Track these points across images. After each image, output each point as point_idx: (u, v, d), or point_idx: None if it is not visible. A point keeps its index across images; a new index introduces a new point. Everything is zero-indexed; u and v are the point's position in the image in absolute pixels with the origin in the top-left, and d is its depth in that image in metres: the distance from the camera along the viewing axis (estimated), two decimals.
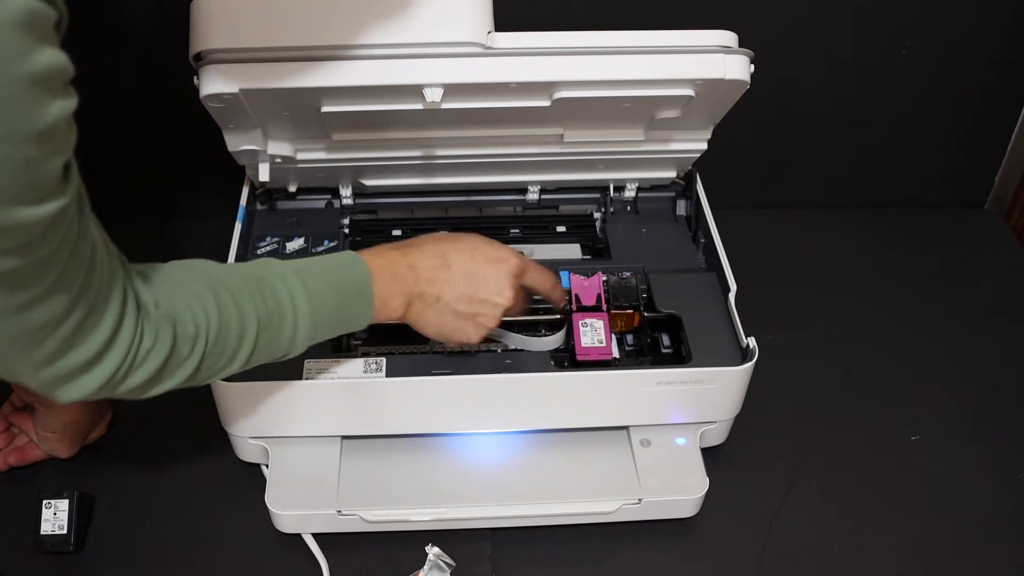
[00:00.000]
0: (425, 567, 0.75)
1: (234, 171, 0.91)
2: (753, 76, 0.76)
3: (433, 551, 0.75)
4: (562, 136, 0.86)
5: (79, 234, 0.49)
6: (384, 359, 0.79)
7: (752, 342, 0.79)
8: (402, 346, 0.84)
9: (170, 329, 0.57)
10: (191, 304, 0.58)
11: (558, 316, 0.89)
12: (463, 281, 0.71)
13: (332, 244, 0.92)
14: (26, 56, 0.38)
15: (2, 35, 0.37)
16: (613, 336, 0.86)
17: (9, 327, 0.48)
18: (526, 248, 0.96)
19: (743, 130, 0.96)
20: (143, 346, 0.55)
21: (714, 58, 0.74)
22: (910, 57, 1.07)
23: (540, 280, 0.77)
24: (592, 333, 0.85)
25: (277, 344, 0.64)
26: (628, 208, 0.99)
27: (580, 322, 0.85)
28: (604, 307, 0.87)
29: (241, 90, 0.71)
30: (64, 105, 0.42)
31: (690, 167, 0.96)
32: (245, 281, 0.62)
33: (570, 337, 0.85)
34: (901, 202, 1.21)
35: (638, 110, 0.81)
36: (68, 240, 0.47)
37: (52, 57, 0.40)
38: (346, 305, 0.67)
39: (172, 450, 0.89)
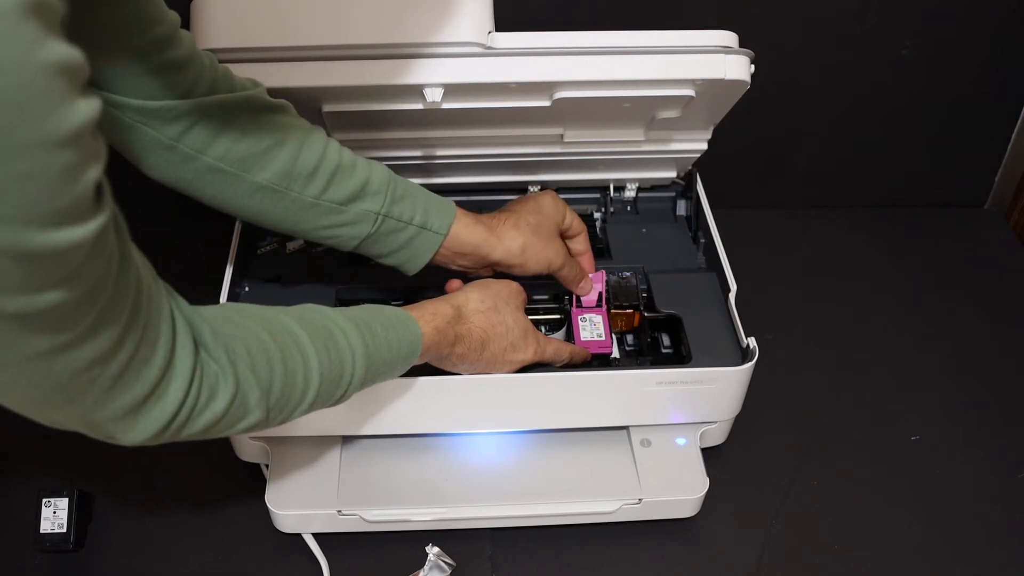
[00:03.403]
0: (425, 567, 0.75)
1: None
2: (753, 76, 0.76)
3: (433, 551, 0.75)
4: (562, 136, 0.86)
5: (121, 258, 0.45)
6: None
7: (752, 342, 0.79)
8: None
9: (231, 371, 0.54)
10: (254, 359, 0.56)
11: (558, 316, 0.89)
12: (484, 365, 0.76)
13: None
14: (42, 43, 0.34)
15: (10, 21, 0.33)
16: (613, 334, 0.86)
17: (57, 370, 0.43)
18: None
19: (743, 130, 0.96)
20: (206, 382, 0.52)
21: (714, 58, 0.74)
22: (910, 57, 1.07)
23: (554, 359, 0.81)
24: (591, 327, 0.85)
25: (329, 398, 0.63)
26: (628, 208, 0.99)
27: (579, 317, 0.85)
28: (604, 305, 0.87)
29: None
30: (90, 106, 0.37)
31: (690, 167, 0.96)
32: (312, 334, 0.60)
33: (570, 336, 0.85)
34: (901, 202, 1.21)
35: (638, 110, 0.81)
36: (112, 264, 0.44)
37: (68, 50, 0.36)
38: (393, 366, 0.68)
39: (172, 449, 0.88)
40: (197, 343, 0.53)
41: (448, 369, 0.76)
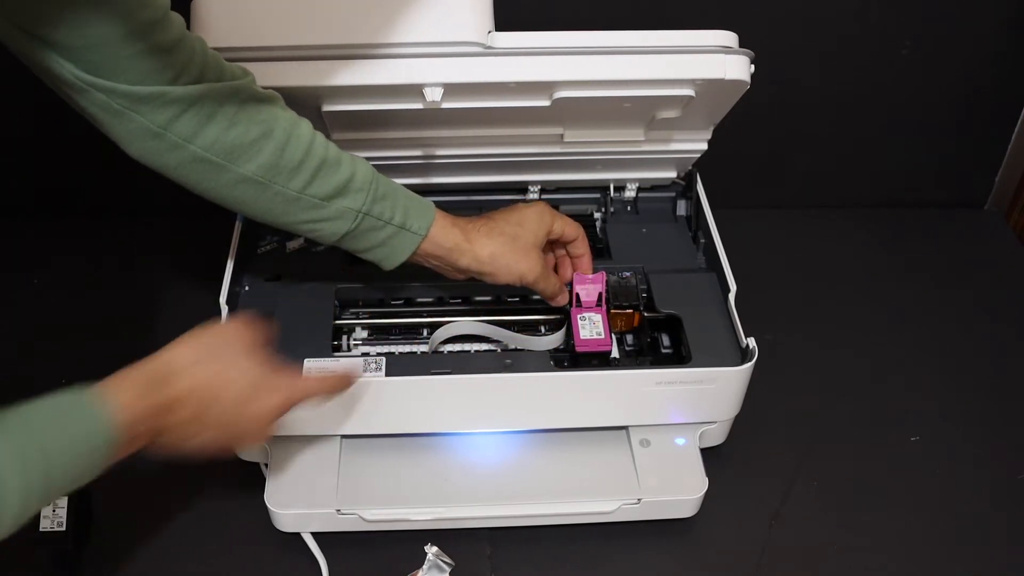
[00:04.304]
0: (424, 567, 0.75)
1: None
2: (753, 76, 0.76)
3: (432, 551, 0.75)
4: (562, 136, 0.86)
5: None
6: (384, 359, 0.79)
7: (752, 342, 0.79)
8: (402, 346, 0.84)
9: None
10: None
11: (558, 316, 0.89)
12: (223, 428, 0.66)
13: None
14: None
15: None
16: (613, 334, 0.86)
17: None
18: None
19: (743, 130, 0.96)
20: None
21: (714, 58, 0.74)
22: (910, 57, 1.07)
23: (317, 393, 0.72)
24: (591, 326, 0.85)
25: None
26: (628, 208, 0.99)
27: (578, 316, 0.85)
28: (603, 305, 0.87)
29: None
30: None
31: (690, 167, 0.96)
32: None
33: (570, 336, 0.85)
34: (901, 202, 1.21)
35: (638, 110, 0.81)
36: None
37: None
38: (75, 463, 0.56)
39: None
40: None
41: (182, 444, 0.64)
